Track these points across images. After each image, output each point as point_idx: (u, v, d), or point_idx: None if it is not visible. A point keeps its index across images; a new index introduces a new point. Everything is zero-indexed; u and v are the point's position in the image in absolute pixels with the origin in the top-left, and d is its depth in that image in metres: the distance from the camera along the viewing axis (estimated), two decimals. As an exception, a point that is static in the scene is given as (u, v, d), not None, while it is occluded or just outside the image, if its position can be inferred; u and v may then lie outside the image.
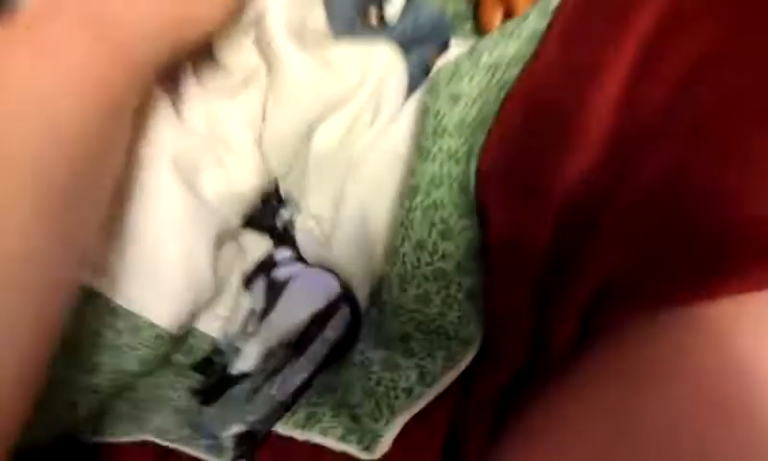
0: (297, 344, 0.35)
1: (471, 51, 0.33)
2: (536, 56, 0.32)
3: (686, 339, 0.27)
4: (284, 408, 0.34)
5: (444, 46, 0.43)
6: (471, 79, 0.33)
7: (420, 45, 0.43)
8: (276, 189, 0.40)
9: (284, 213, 0.40)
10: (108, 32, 0.29)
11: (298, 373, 0.34)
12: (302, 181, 0.40)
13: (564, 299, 0.30)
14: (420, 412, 0.33)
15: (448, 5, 0.45)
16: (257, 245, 0.40)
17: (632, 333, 0.29)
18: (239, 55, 0.39)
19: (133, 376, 0.35)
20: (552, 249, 0.30)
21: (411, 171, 0.34)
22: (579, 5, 0.32)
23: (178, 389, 0.37)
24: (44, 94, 0.27)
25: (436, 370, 0.32)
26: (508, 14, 0.43)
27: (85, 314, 0.32)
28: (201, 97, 0.38)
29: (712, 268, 0.26)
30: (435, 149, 0.33)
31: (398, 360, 0.33)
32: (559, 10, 0.32)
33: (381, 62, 0.39)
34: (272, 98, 0.38)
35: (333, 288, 0.36)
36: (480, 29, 0.44)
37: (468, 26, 0.46)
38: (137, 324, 0.33)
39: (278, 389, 0.34)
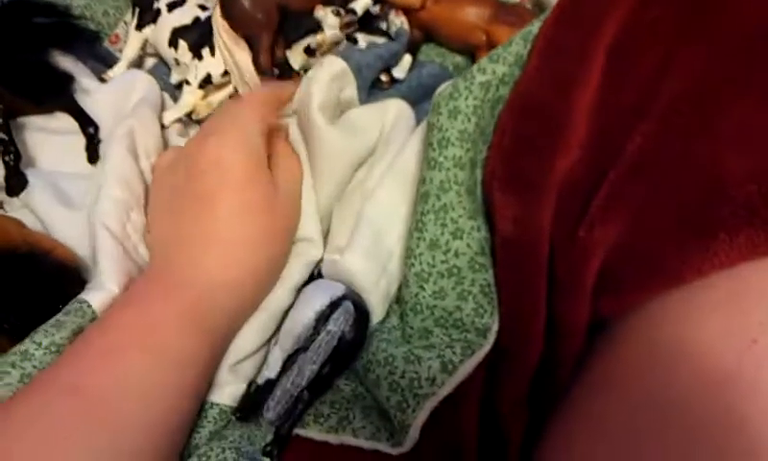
0: (306, 340, 0.38)
1: (465, 74, 0.39)
2: (522, 73, 0.37)
3: (683, 316, 0.30)
4: (302, 405, 0.37)
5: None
6: (467, 97, 0.38)
7: (426, 99, 0.48)
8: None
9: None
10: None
11: (307, 364, 0.37)
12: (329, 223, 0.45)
13: (572, 285, 0.33)
14: (448, 408, 0.34)
15: (447, 60, 0.51)
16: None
17: (642, 319, 0.32)
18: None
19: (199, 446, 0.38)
20: (554, 238, 0.34)
21: (422, 180, 0.38)
22: (555, 24, 0.36)
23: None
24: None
25: (456, 359, 0.35)
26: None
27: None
28: None
29: (701, 243, 0.29)
30: (441, 158, 0.38)
31: (420, 353, 0.35)
32: (538, 33, 0.37)
33: (393, 111, 0.45)
34: (312, 170, 0.44)
35: (337, 289, 0.39)
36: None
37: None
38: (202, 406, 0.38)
39: (293, 382, 0.37)
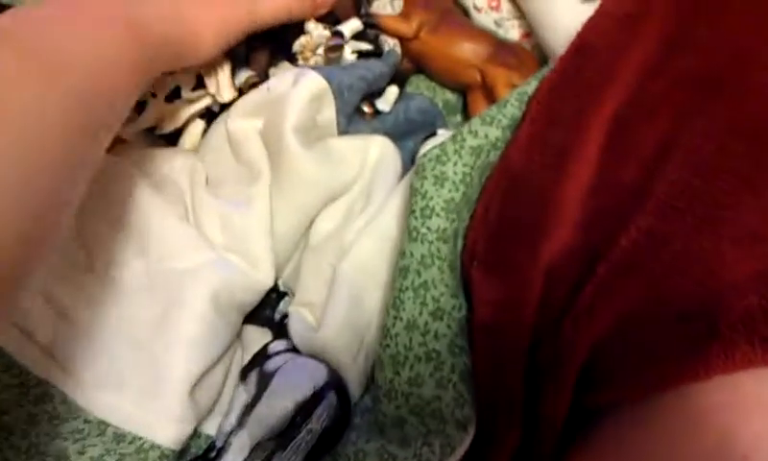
0: (282, 434, 0.34)
1: (455, 136, 0.35)
2: (513, 140, 0.33)
3: (678, 421, 0.27)
4: None
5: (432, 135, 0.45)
6: (456, 162, 0.34)
7: (412, 135, 0.44)
8: (275, 281, 0.40)
9: (282, 305, 0.40)
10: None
11: (284, 465, 0.33)
12: (299, 269, 0.40)
13: (554, 377, 0.30)
14: None
15: (438, 96, 0.48)
16: (257, 339, 0.40)
17: (628, 416, 0.29)
18: (246, 143, 0.41)
19: None
20: (538, 327, 0.30)
21: (401, 252, 0.34)
22: (551, 90, 0.33)
23: None
24: None
25: (435, 459, 0.31)
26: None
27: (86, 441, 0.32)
28: (213, 207, 0.39)
29: (696, 350, 0.27)
30: (424, 229, 0.34)
31: (394, 451, 0.32)
32: (534, 96, 0.33)
33: (376, 153, 0.41)
34: (276, 193, 0.39)
35: (319, 375, 0.35)
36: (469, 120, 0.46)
37: (458, 118, 0.48)
38: (142, 446, 0.33)
39: None
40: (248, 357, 0.39)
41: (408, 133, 0.44)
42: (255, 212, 0.39)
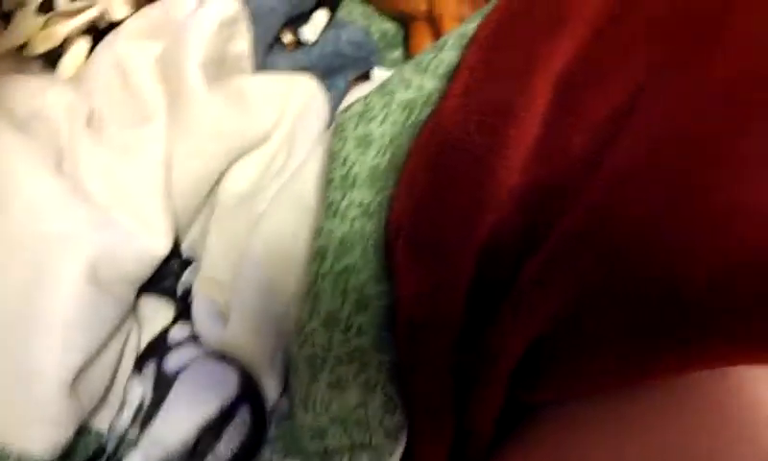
0: (180, 456, 0.28)
1: (383, 87, 0.29)
2: (446, 94, 0.28)
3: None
4: None
5: (365, 74, 0.39)
6: (383, 120, 0.29)
7: (341, 71, 0.38)
8: (177, 245, 0.34)
9: (186, 276, 0.34)
10: None
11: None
12: (205, 235, 0.34)
13: (485, 372, 0.26)
14: None
15: (374, 25, 0.41)
16: (156, 315, 0.34)
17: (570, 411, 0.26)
18: (138, 73, 0.34)
19: None
20: (466, 316, 0.26)
21: (317, 230, 0.29)
22: (493, 34, 0.28)
23: None
24: None
25: None
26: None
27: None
28: (95, 154, 0.32)
29: (653, 345, 0.23)
30: (344, 203, 0.28)
31: None
32: (472, 40, 0.28)
33: (300, 97, 0.34)
34: (175, 139, 0.33)
35: (229, 386, 0.30)
36: (410, 57, 0.40)
37: (397, 54, 0.41)
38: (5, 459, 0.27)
39: None
40: (146, 336, 0.33)
41: (337, 69, 0.38)
42: (147, 161, 0.32)
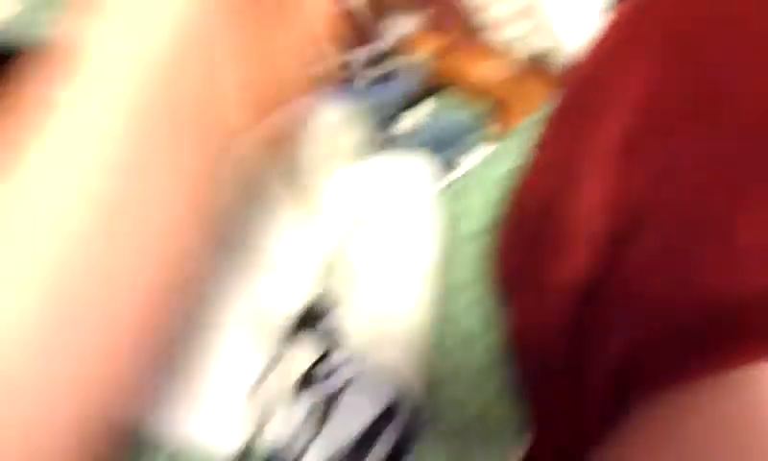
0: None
1: (481, 165, 0.36)
2: (525, 168, 0.34)
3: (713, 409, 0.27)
4: None
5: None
6: (481, 192, 0.35)
7: (444, 149, 0.44)
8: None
9: (338, 312, 0.39)
10: None
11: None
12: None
13: (588, 385, 0.30)
14: None
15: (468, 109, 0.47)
16: (310, 349, 0.38)
17: (661, 410, 0.29)
18: None
19: None
20: (567, 342, 0.31)
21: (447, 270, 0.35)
22: (560, 107, 0.34)
23: None
24: None
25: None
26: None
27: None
28: None
29: (715, 344, 0.27)
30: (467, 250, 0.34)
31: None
32: (546, 117, 0.34)
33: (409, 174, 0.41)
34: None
35: (385, 398, 0.34)
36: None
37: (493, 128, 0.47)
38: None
39: None
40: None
41: (439, 146, 0.44)
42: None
